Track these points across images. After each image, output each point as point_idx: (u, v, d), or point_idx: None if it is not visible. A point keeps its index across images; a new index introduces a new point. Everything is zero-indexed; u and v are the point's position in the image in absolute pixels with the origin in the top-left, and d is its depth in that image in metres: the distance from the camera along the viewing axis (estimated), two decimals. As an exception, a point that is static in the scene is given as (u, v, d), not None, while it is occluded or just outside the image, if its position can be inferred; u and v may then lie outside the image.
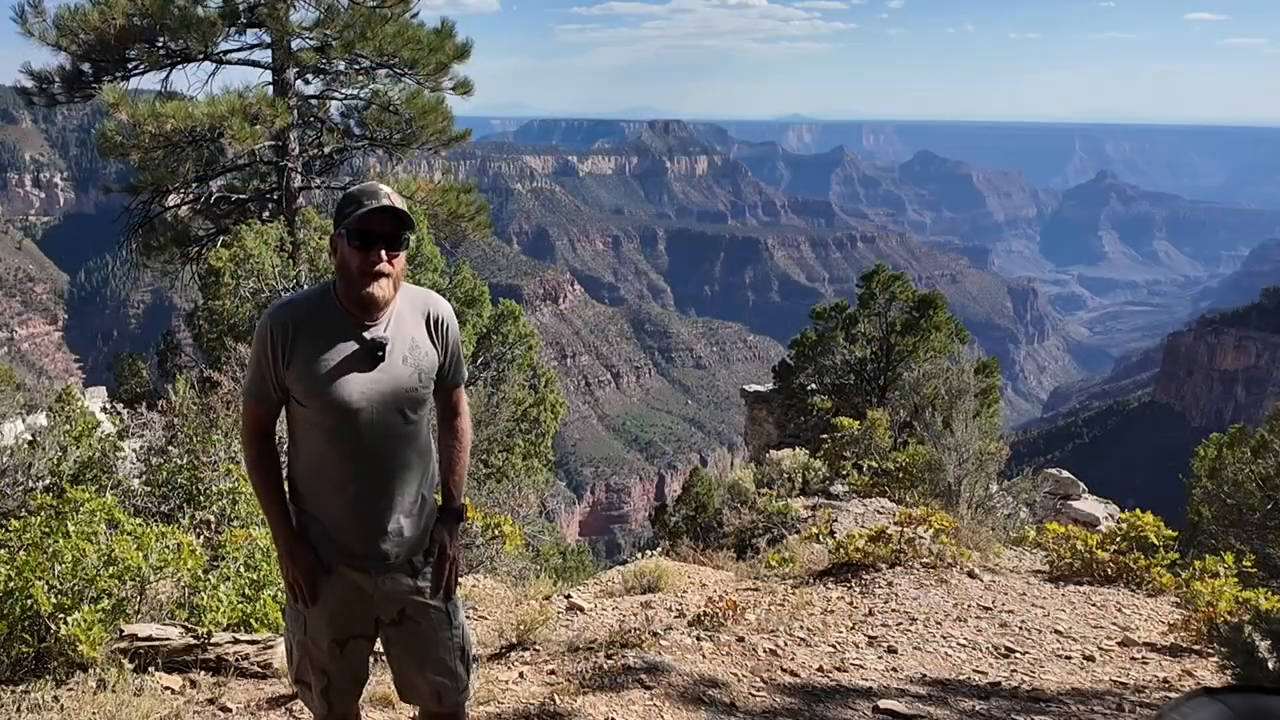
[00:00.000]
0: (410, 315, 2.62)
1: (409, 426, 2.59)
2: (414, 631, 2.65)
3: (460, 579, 6.34)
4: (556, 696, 3.98)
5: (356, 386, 2.51)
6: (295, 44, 13.33)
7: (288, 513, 2.67)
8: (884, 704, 4.13)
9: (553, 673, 4.30)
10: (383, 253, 2.47)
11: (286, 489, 2.69)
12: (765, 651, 4.74)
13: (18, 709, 3.58)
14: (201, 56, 12.95)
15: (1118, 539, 6.51)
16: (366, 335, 2.52)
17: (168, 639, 4.07)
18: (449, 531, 2.72)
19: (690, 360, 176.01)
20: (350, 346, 2.52)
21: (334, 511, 2.58)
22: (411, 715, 3.78)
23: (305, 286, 11.74)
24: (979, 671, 4.71)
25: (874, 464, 10.44)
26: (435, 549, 2.69)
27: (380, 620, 2.66)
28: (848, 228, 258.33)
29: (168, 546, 4.41)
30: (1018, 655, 4.94)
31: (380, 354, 2.51)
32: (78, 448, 5.94)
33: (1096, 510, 11.40)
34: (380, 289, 2.49)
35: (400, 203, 2.52)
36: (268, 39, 13.36)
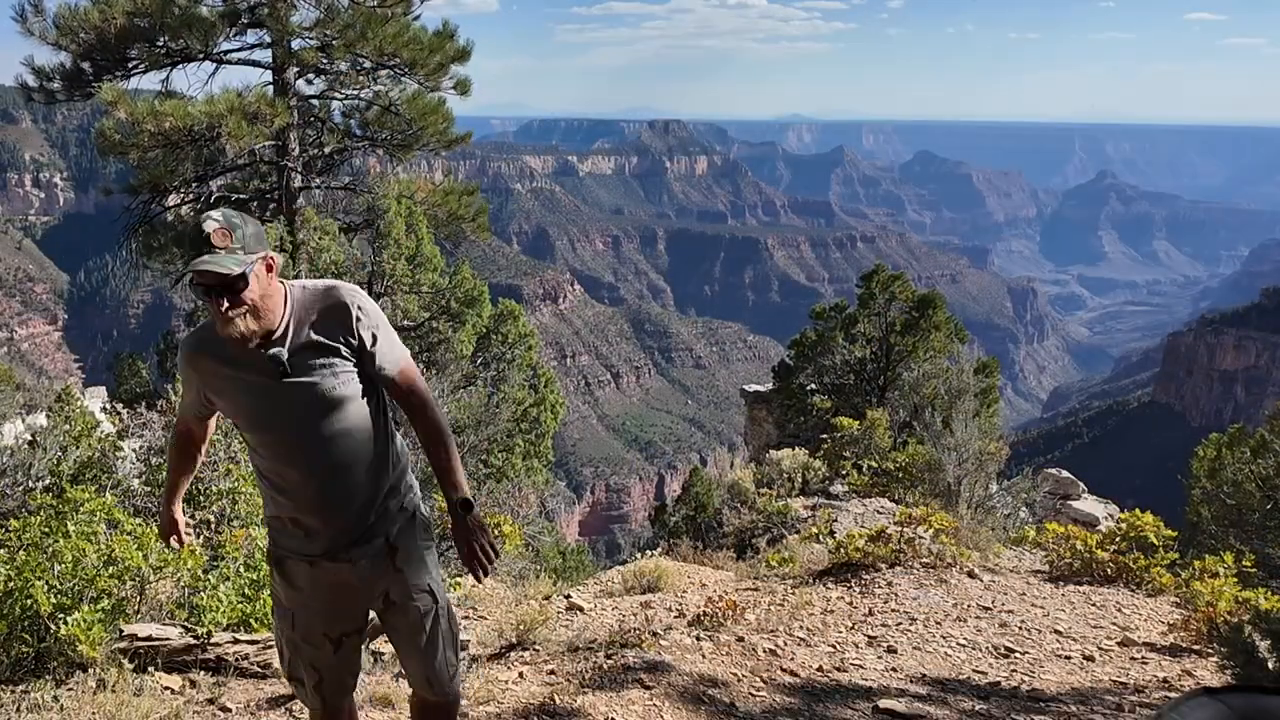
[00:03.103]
0: (309, 317, 2.53)
1: (346, 422, 2.53)
2: (403, 617, 2.63)
3: (459, 580, 6.30)
4: (556, 696, 3.98)
5: (269, 404, 2.48)
6: (296, 44, 13.31)
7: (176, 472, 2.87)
8: (884, 704, 4.13)
9: (552, 673, 4.30)
10: (224, 301, 2.38)
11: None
12: (765, 651, 4.74)
13: (18, 709, 3.59)
14: (202, 56, 12.94)
15: (1117, 539, 6.51)
16: (266, 353, 2.46)
17: (167, 639, 4.07)
18: (460, 524, 2.63)
19: (690, 360, 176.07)
20: (253, 368, 2.47)
21: (298, 513, 2.57)
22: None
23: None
24: (978, 671, 4.71)
25: (874, 464, 10.45)
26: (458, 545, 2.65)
27: (372, 610, 2.67)
28: (848, 228, 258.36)
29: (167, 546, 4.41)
30: (1017, 655, 4.94)
31: (282, 368, 2.45)
32: (78, 448, 5.94)
33: (1096, 510, 11.41)
34: (239, 328, 2.41)
35: (224, 259, 2.34)
36: (268, 39, 13.35)
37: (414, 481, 2.71)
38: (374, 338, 2.57)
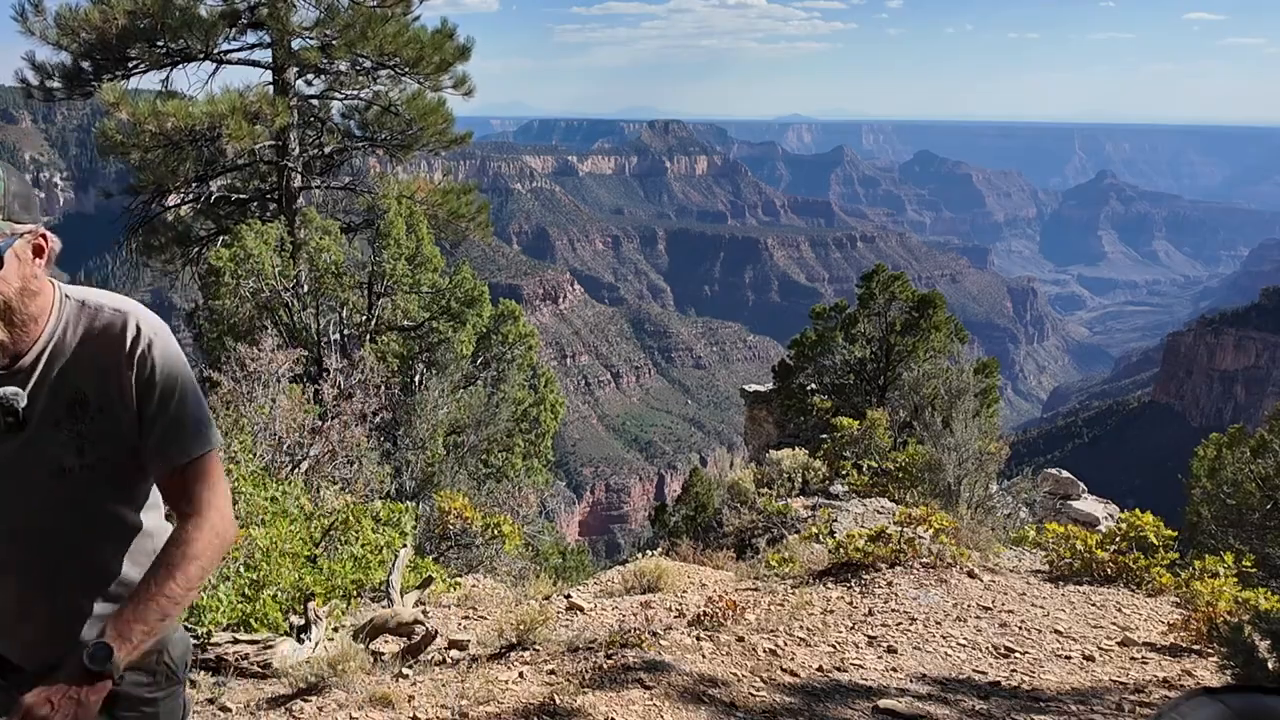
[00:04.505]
0: (80, 351, 1.70)
1: (86, 519, 1.74)
2: None
3: (459, 580, 6.29)
4: (556, 696, 3.98)
5: None
6: (296, 44, 13.33)
7: None
8: (884, 703, 4.13)
9: (552, 672, 4.29)
10: None
11: None
12: (765, 651, 4.74)
13: (18, 708, 3.58)
14: (202, 56, 12.95)
15: (1117, 539, 6.51)
16: None
17: (168, 639, 4.07)
18: (76, 675, 1.57)
19: (690, 360, 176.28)
20: None
21: None
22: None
23: (305, 286, 11.74)
24: (979, 671, 4.71)
25: (874, 464, 10.46)
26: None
27: None
28: (847, 228, 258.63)
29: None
30: (1017, 655, 4.94)
31: (13, 419, 1.65)
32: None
33: (1096, 510, 11.41)
34: None
35: None
36: (268, 39, 13.36)
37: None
38: (157, 402, 1.72)
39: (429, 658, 4.47)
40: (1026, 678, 4.64)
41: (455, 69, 14.17)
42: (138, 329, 1.71)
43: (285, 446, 7.15)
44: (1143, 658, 4.96)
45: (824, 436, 11.84)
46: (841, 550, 6.33)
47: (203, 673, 4.04)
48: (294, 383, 8.59)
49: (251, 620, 4.43)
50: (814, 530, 7.51)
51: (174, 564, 1.69)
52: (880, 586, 5.90)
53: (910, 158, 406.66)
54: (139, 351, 1.70)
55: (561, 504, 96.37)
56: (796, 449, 11.09)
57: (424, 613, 4.86)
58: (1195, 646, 5.08)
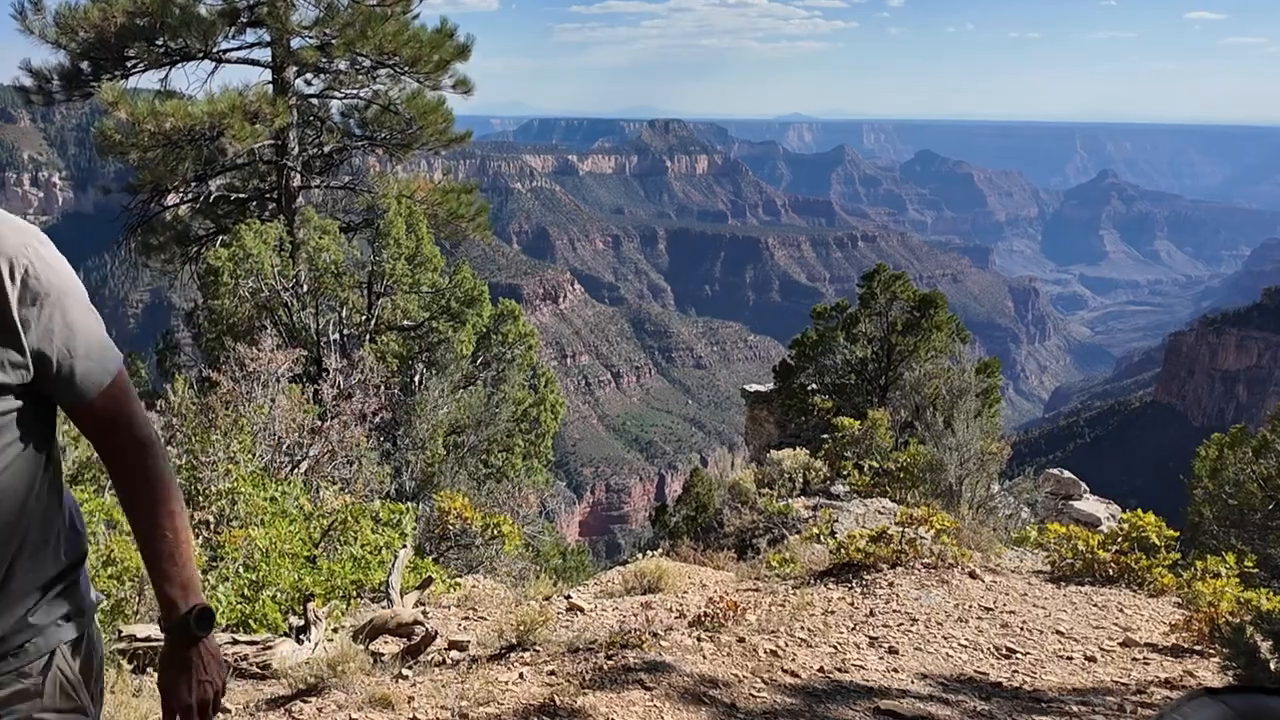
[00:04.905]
0: None
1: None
2: None
3: (459, 580, 6.27)
4: (556, 697, 3.97)
5: None
6: (295, 43, 13.33)
7: None
8: (885, 705, 4.12)
9: (553, 673, 4.28)
10: None
11: None
12: (766, 652, 4.72)
13: (15, 710, 3.57)
14: (201, 55, 12.94)
15: (1119, 539, 6.49)
16: None
17: (166, 639, 4.05)
18: (180, 651, 1.64)
19: (690, 360, 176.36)
20: None
21: None
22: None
23: (304, 286, 11.72)
24: (980, 672, 4.70)
25: (875, 464, 10.43)
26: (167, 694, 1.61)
27: None
28: (848, 227, 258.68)
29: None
30: (1019, 656, 4.92)
31: None
32: (76, 448, 5.93)
33: (1098, 510, 11.39)
34: None
35: None
36: (268, 38, 13.35)
37: (85, 595, 1.70)
38: (60, 326, 1.49)
39: (429, 658, 4.45)
40: (1028, 679, 4.62)
41: (455, 68, 14.17)
42: (8, 246, 1.42)
43: (285, 447, 7.14)
44: (1144, 658, 4.95)
45: (825, 436, 11.82)
46: (843, 551, 6.31)
47: (201, 674, 4.02)
48: (293, 383, 8.58)
49: (250, 621, 4.42)
50: (815, 531, 7.49)
51: (164, 498, 1.62)
52: (882, 587, 5.88)
53: (911, 157, 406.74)
54: (19, 274, 1.42)
55: (561, 504, 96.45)
56: (797, 449, 11.07)
57: (424, 613, 4.85)
58: (1197, 647, 5.06)
